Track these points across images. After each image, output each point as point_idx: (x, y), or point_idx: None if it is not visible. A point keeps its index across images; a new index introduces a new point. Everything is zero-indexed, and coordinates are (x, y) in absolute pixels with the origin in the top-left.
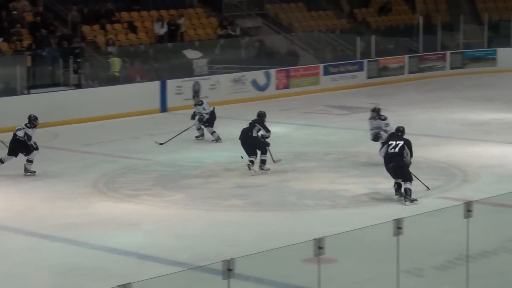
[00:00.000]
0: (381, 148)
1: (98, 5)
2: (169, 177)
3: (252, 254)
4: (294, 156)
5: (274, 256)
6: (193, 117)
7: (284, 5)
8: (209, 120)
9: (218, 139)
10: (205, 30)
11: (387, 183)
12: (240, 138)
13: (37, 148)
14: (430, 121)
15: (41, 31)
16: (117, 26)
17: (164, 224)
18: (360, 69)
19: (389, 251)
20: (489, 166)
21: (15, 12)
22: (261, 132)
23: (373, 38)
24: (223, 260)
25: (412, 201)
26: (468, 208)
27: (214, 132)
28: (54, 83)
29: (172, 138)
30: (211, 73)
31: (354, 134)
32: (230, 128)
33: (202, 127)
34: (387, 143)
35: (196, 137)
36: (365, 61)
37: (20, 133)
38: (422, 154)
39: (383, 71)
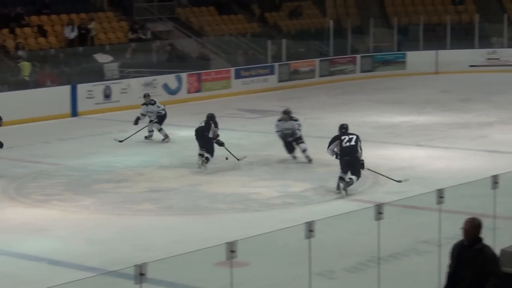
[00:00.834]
0: (328, 146)
1: (7, 9)
2: (80, 182)
3: (164, 259)
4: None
5: (186, 260)
6: (137, 121)
7: (195, 9)
8: (162, 118)
9: (166, 137)
10: (116, 34)
11: (298, 186)
12: (196, 136)
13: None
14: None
15: None
16: (27, 30)
17: (76, 229)
18: (271, 72)
19: (301, 254)
20: (399, 168)
21: None
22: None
23: (284, 41)
24: (135, 265)
25: (346, 190)
26: (379, 210)
27: (162, 129)
28: None
29: (130, 136)
30: (122, 77)
31: (265, 138)
32: (142, 132)
33: (153, 128)
34: (339, 139)
35: (146, 137)
36: (276, 64)
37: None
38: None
39: (294, 75)
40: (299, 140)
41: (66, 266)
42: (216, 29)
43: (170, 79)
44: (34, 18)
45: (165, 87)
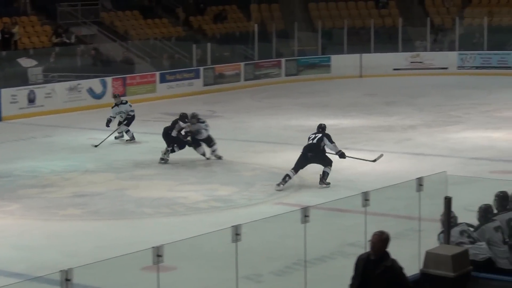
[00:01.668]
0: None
1: None
2: (5, 187)
3: (91, 264)
4: (132, 164)
5: (113, 265)
6: (108, 123)
7: (120, 13)
8: (129, 120)
9: (132, 138)
10: (40, 38)
11: (225, 190)
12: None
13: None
14: (267, 128)
15: None
16: None
17: (1, 235)
18: (197, 76)
19: (228, 257)
20: None
21: None
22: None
23: (209, 45)
24: (61, 270)
25: (326, 184)
26: (305, 213)
27: (129, 130)
28: None
29: (104, 140)
30: (46, 82)
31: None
32: (66, 137)
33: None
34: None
35: (116, 137)
36: (201, 68)
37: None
38: (259, 160)
39: (219, 79)
40: (209, 142)
41: None
42: (141, 33)
43: (95, 84)
44: None
45: (90, 91)
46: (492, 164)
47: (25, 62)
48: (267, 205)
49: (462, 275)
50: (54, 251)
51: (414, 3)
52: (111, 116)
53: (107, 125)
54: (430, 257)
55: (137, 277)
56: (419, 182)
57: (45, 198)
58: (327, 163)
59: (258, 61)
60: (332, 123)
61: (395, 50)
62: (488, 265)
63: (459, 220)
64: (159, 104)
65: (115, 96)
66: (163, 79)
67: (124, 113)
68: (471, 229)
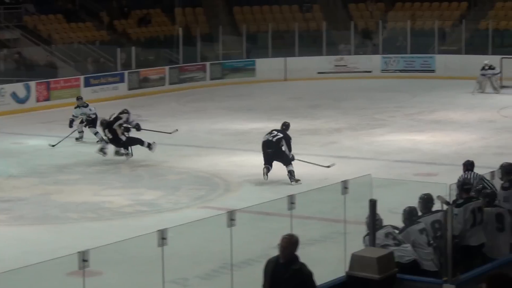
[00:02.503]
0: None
1: None
2: None
3: (16, 269)
4: (56, 169)
5: (39, 270)
6: (71, 123)
7: (43, 16)
8: (93, 121)
9: (101, 139)
10: None
11: (150, 194)
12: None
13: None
14: (192, 132)
15: None
16: None
17: None
18: (121, 80)
19: (154, 262)
20: (250, 175)
21: None
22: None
23: (133, 49)
24: None
25: (296, 181)
26: (231, 217)
27: (98, 132)
28: None
29: (62, 140)
30: None
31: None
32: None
33: (84, 129)
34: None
35: (77, 138)
36: (126, 72)
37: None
38: (184, 164)
39: (144, 82)
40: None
41: None
42: (65, 37)
43: (18, 88)
44: None
45: (14, 95)
46: (416, 166)
47: None
48: (192, 209)
49: (388, 277)
50: None
51: (338, 7)
52: (73, 116)
53: (70, 126)
54: (356, 260)
55: (62, 282)
56: (344, 185)
57: None
58: (288, 161)
59: (182, 65)
60: (257, 127)
61: (320, 53)
62: (413, 267)
63: (384, 223)
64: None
65: (77, 98)
66: (87, 83)
67: (85, 115)
68: (396, 231)
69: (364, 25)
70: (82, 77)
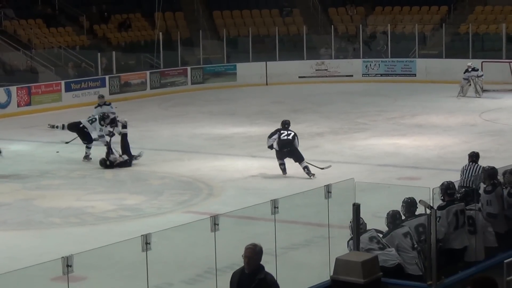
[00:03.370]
0: (269, 137)
1: None
2: None
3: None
4: (38, 173)
5: (22, 276)
6: (91, 121)
7: (22, 21)
8: (113, 121)
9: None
10: None
11: (133, 199)
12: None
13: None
14: (174, 136)
15: None
16: None
17: None
18: (102, 85)
19: (138, 266)
20: (233, 179)
21: None
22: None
23: (113, 54)
24: None
25: (313, 175)
26: (214, 221)
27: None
28: None
29: (74, 138)
30: None
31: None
32: None
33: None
34: (279, 131)
35: (95, 139)
36: (107, 77)
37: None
38: (167, 169)
39: (125, 87)
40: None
41: None
42: (45, 42)
43: None
44: None
45: None
46: (399, 170)
47: None
48: (176, 213)
49: (372, 281)
50: None
51: (318, 11)
52: (93, 116)
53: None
54: (340, 264)
55: (47, 287)
56: (328, 189)
57: None
58: (301, 158)
59: (163, 69)
60: (239, 131)
61: (300, 58)
62: (397, 271)
63: (368, 227)
64: (64, 113)
65: (99, 97)
66: (68, 88)
67: (103, 113)
68: (380, 235)
69: (344, 29)
70: (63, 82)
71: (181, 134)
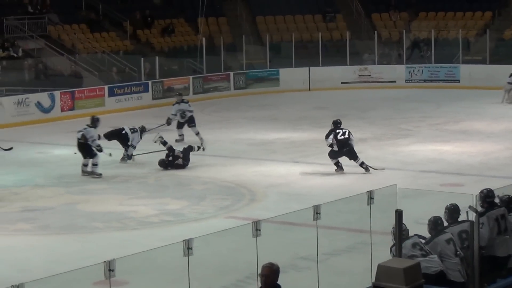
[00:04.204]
0: (327, 137)
1: None
2: None
3: (42, 278)
4: (81, 178)
5: (65, 280)
6: (168, 121)
7: (67, 26)
8: (191, 120)
9: (202, 140)
10: None
11: (176, 204)
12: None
13: (100, 150)
14: (217, 141)
15: None
16: None
17: None
18: (145, 90)
19: (180, 271)
20: (275, 185)
21: None
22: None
23: (157, 59)
24: (12, 285)
25: (369, 168)
26: (256, 227)
27: (199, 133)
28: None
29: (157, 127)
30: None
31: (142, 156)
32: (15, 151)
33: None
34: (334, 131)
35: (176, 140)
36: (150, 82)
37: (78, 135)
38: (210, 174)
39: (168, 92)
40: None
41: None
42: (88, 47)
43: (43, 97)
44: None
45: (38, 105)
46: (442, 177)
47: None
48: (218, 219)
49: None
50: (5, 265)
51: (362, 16)
52: (172, 115)
53: (168, 123)
54: (382, 270)
55: None
56: (370, 195)
57: None
58: (356, 156)
59: (206, 74)
60: (281, 137)
61: (343, 63)
62: (440, 278)
63: (411, 233)
64: (107, 118)
65: (178, 94)
66: (111, 93)
67: (181, 111)
68: (423, 240)
69: (388, 35)
70: (106, 87)
71: (224, 139)
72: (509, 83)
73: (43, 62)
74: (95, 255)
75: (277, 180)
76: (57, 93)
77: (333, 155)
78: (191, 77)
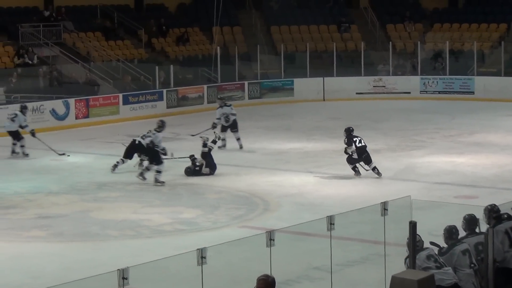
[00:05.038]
0: (350, 143)
1: None
2: None
3: (55, 286)
4: (95, 186)
5: (78, 287)
6: (213, 126)
7: (82, 34)
8: (234, 125)
9: (241, 146)
10: (2, 59)
11: (190, 213)
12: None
13: (165, 154)
14: (230, 151)
15: None
16: None
17: None
18: (160, 98)
19: (193, 280)
20: (289, 195)
21: None
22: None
23: (171, 67)
24: None
25: (380, 173)
26: (270, 237)
27: (240, 138)
28: None
29: (203, 131)
30: (8, 103)
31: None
32: (29, 158)
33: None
34: (351, 138)
35: (219, 147)
36: (165, 90)
37: (147, 140)
38: (223, 183)
39: (182, 101)
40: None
41: None
42: (103, 55)
43: (57, 105)
44: None
45: (53, 112)
46: (456, 188)
47: None
48: (231, 228)
49: None
50: (19, 272)
51: (376, 27)
52: (216, 119)
53: (213, 128)
54: (396, 282)
55: None
56: (384, 207)
57: (9, 219)
58: (371, 160)
59: (221, 83)
60: (295, 147)
61: (358, 74)
62: None
63: (425, 245)
64: (122, 126)
65: (220, 98)
66: (126, 101)
67: (227, 115)
68: (436, 248)
69: (402, 46)
70: (120, 95)
71: (238, 149)
72: None
73: (58, 69)
74: (108, 263)
75: (291, 190)
76: (71, 101)
77: (352, 161)
78: (205, 86)
